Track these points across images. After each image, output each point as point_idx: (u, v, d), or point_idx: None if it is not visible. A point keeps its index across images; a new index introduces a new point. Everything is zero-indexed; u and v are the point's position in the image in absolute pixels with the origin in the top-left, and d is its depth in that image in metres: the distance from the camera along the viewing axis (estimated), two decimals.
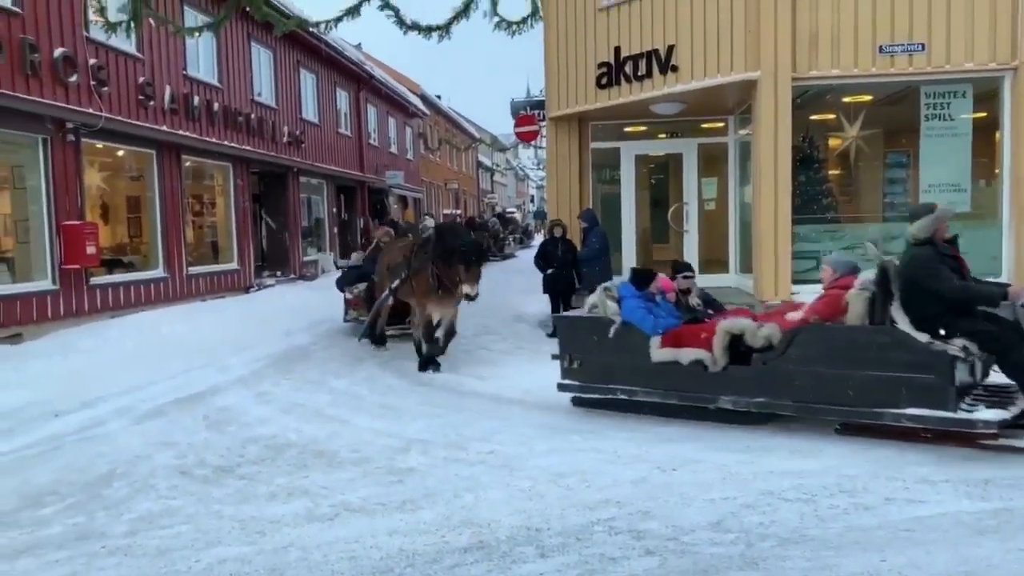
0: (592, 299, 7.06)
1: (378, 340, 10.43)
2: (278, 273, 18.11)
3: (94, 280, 11.52)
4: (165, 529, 4.43)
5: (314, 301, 13.66)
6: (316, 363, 9.51)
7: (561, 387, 7.00)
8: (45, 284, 10.63)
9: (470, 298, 8.38)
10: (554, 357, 7.08)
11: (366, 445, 5.97)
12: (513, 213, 45.15)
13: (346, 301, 11.57)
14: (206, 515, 4.62)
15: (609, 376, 6.68)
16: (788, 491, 4.60)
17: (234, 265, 15.97)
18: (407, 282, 9.21)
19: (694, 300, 7.41)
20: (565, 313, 7.74)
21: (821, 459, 5.23)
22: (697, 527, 4.13)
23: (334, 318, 11.98)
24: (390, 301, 9.96)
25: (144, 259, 13.50)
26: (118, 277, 12.39)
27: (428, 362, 8.93)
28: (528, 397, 7.55)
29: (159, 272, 13.32)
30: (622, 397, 6.63)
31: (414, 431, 6.34)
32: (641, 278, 6.92)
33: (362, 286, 11.37)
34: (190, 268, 14.15)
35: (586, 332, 6.86)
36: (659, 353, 6.35)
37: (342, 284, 11.99)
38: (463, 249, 8.39)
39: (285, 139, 18.38)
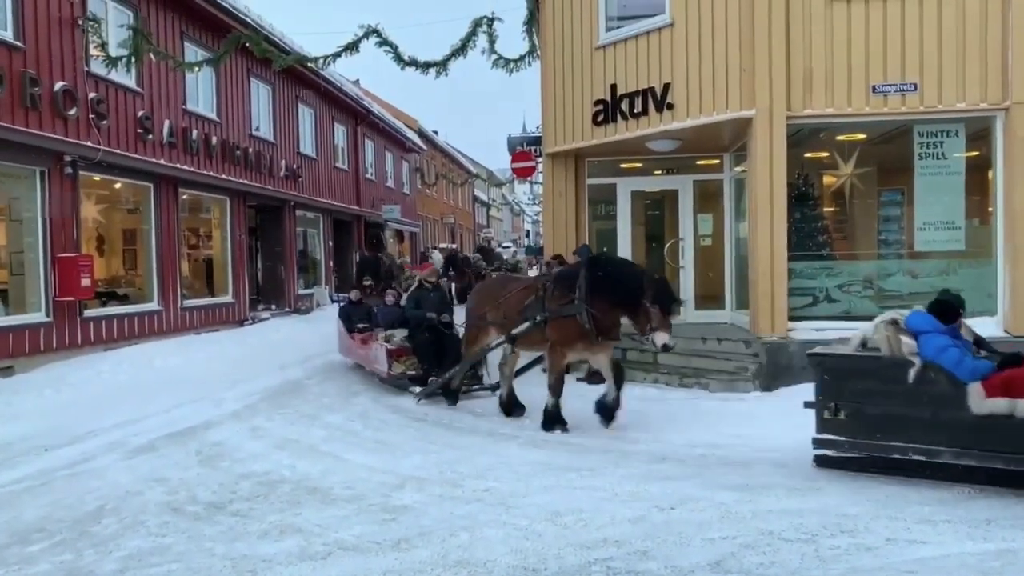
0: (866, 332, 5.82)
1: (452, 395, 8.94)
2: (273, 306, 18.08)
3: (88, 312, 11.48)
4: (155, 567, 4.34)
5: (309, 335, 13.62)
6: (310, 397, 9.44)
7: (819, 443, 5.83)
8: (39, 316, 10.59)
9: (667, 348, 7.10)
10: (808, 405, 5.98)
11: (360, 482, 5.90)
12: (497, 245, 42.25)
13: (388, 352, 9.66)
14: (197, 553, 4.54)
15: (895, 430, 5.49)
16: (788, 531, 4.54)
17: (229, 298, 15.93)
18: (539, 326, 7.67)
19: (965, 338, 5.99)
20: (823, 350, 6.15)
21: (820, 498, 5.18)
22: (697, 568, 4.06)
23: (329, 352, 11.92)
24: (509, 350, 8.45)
25: (139, 292, 13.47)
26: (112, 310, 12.35)
27: (556, 419, 7.55)
28: (523, 433, 7.49)
29: (154, 305, 13.28)
30: (916, 458, 5.46)
31: (409, 467, 6.27)
32: (948, 309, 5.58)
33: (401, 333, 10.01)
34: (185, 301, 14.11)
35: (861, 375, 5.68)
36: (986, 404, 5.14)
37: (349, 323, 11.17)
38: (660, 288, 7.04)
39: (282, 173, 18.47)
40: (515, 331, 7.88)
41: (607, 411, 7.52)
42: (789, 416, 7.78)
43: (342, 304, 12.25)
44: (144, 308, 13.09)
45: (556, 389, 7.55)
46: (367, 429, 7.84)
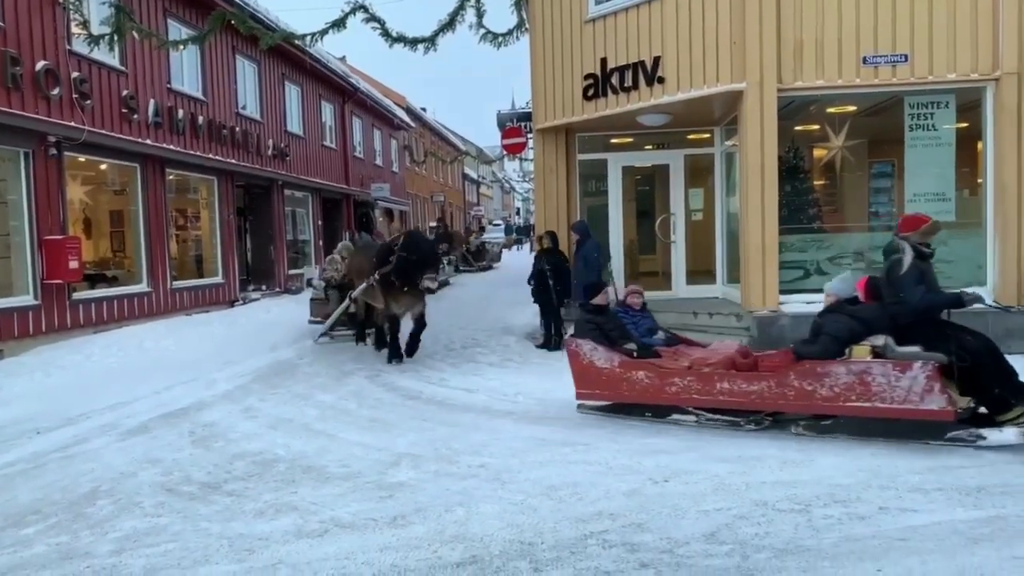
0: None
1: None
2: (263, 287, 18.00)
3: (77, 295, 11.40)
4: (151, 548, 4.34)
5: (300, 315, 13.57)
6: (302, 377, 9.43)
7: None
8: (27, 299, 10.51)
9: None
10: None
11: (355, 460, 5.90)
12: (487, 223, 38.90)
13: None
14: (193, 533, 4.54)
15: None
16: (782, 501, 4.58)
17: (219, 279, 15.85)
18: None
19: None
20: None
21: (813, 469, 5.22)
22: (691, 539, 4.09)
23: (320, 331, 11.89)
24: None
25: (128, 273, 13.38)
26: (101, 292, 12.27)
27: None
28: (517, 409, 7.51)
29: (143, 286, 13.20)
30: None
31: (404, 445, 6.28)
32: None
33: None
34: (174, 282, 14.03)
35: None
36: None
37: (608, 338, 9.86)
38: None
39: (270, 152, 18.31)
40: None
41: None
42: None
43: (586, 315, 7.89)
44: (133, 290, 13.01)
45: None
46: (361, 408, 7.84)
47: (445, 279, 14.43)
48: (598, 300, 7.86)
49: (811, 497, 4.62)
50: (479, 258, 25.80)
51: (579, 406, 7.21)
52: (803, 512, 4.40)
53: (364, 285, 10.52)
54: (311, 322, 12.32)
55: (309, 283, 12.95)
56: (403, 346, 10.06)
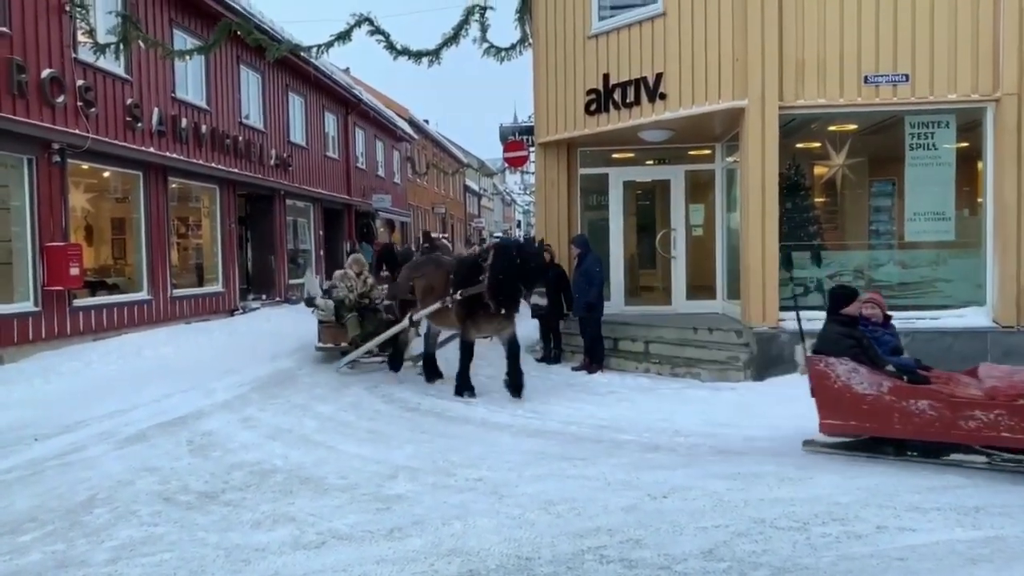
0: None
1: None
2: (263, 296, 18.02)
3: (77, 302, 11.40)
4: (147, 557, 4.33)
5: (299, 325, 13.56)
6: (302, 387, 9.42)
7: None
8: (27, 306, 10.50)
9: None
10: None
11: (353, 471, 5.89)
12: (487, 236, 38.36)
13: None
14: (190, 543, 4.53)
15: None
16: (780, 519, 4.57)
17: (219, 288, 15.86)
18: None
19: None
20: None
21: (811, 487, 5.21)
22: (689, 556, 4.08)
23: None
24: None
25: (128, 281, 13.38)
26: (101, 299, 12.27)
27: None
28: (515, 422, 7.50)
29: (143, 294, 13.20)
30: None
31: (401, 457, 6.27)
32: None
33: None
34: (174, 290, 14.04)
35: None
36: None
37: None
38: None
39: (272, 162, 18.37)
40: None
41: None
42: (780, 405, 7.86)
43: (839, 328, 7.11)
44: (134, 297, 13.01)
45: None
46: (359, 419, 7.83)
47: None
48: (851, 310, 6.39)
49: (809, 515, 4.62)
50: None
51: (806, 442, 6.15)
52: (801, 530, 4.39)
53: (435, 306, 9.08)
54: (319, 349, 11.01)
55: (310, 302, 11.47)
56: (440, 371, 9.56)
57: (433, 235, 28.77)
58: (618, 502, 4.96)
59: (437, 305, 9.01)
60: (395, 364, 10.20)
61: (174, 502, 5.30)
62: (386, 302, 10.60)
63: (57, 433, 7.19)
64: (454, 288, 8.82)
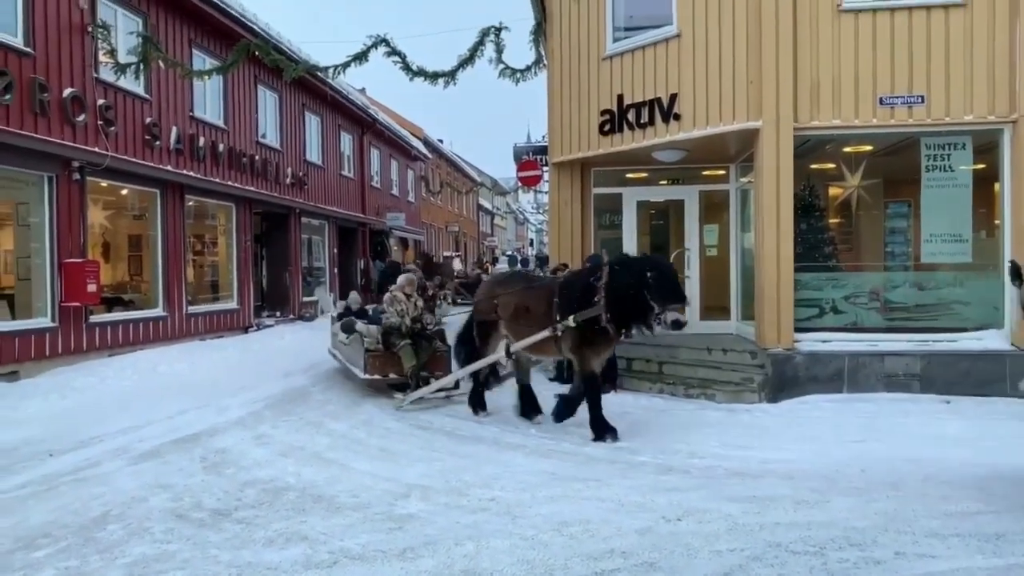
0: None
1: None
2: (277, 313, 18.10)
3: (93, 318, 11.49)
4: (160, 575, 4.33)
5: (313, 342, 13.61)
6: (314, 405, 9.43)
7: None
8: (44, 322, 10.59)
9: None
10: None
11: (365, 490, 5.88)
12: (454, 257, 34.47)
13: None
14: (202, 560, 4.52)
15: None
16: (796, 543, 4.52)
17: (234, 304, 15.94)
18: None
19: None
20: None
21: (828, 511, 5.15)
22: None
23: (333, 359, 11.90)
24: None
25: (144, 297, 13.49)
26: (117, 315, 12.36)
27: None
28: (529, 442, 7.46)
29: (159, 311, 13.29)
30: None
31: (414, 476, 6.25)
32: None
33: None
34: (190, 307, 14.12)
35: None
36: None
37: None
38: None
39: (288, 180, 18.52)
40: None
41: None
42: (795, 427, 7.80)
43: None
44: (149, 314, 13.10)
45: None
46: (372, 437, 7.82)
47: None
48: None
49: (826, 539, 4.56)
50: (472, 291, 22.97)
51: None
52: (818, 555, 4.34)
53: (542, 335, 7.83)
54: (370, 382, 9.84)
55: (349, 328, 10.59)
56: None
57: (447, 254, 28.03)
58: (632, 524, 4.93)
59: (545, 334, 7.80)
60: (479, 401, 8.88)
61: (187, 519, 5.30)
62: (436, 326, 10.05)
63: (72, 449, 7.21)
64: (562, 312, 7.68)
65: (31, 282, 10.76)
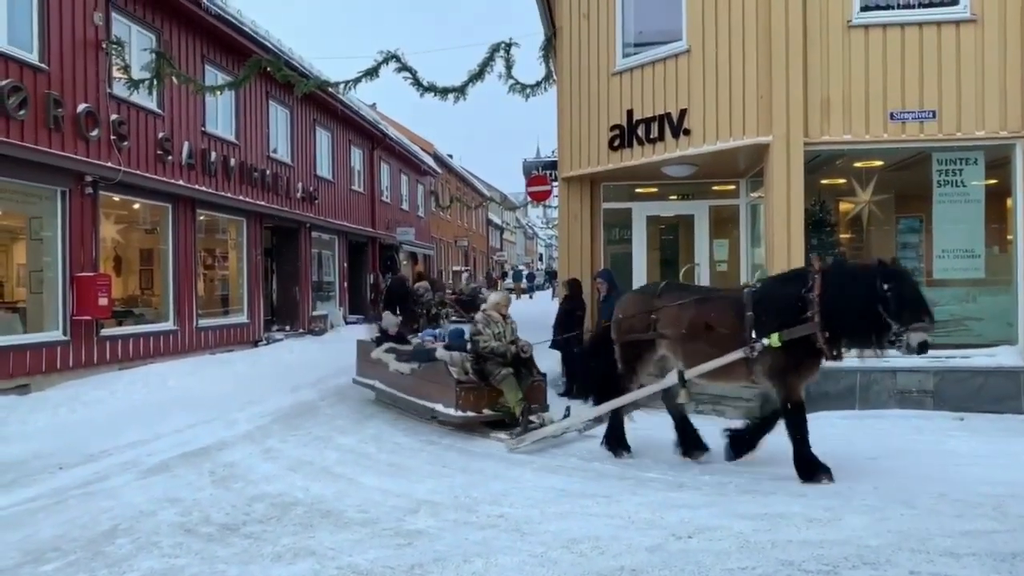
0: None
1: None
2: (287, 327, 18.14)
3: (104, 332, 11.54)
4: None
5: (322, 356, 13.63)
6: (323, 419, 9.42)
7: None
8: (56, 335, 10.65)
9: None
10: None
11: (374, 505, 5.85)
12: (464, 271, 33.88)
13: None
14: (210, 575, 4.50)
15: None
16: (808, 562, 4.46)
17: (244, 319, 15.99)
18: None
19: None
20: None
21: (840, 528, 5.09)
22: None
23: (341, 373, 11.90)
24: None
25: (155, 311, 13.55)
26: (128, 329, 12.42)
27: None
28: (537, 459, 7.42)
29: (169, 324, 13.34)
30: None
31: (423, 492, 6.22)
32: None
33: None
34: (200, 321, 14.18)
35: None
36: None
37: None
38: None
39: (299, 195, 18.61)
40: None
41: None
42: None
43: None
44: (160, 328, 13.16)
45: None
46: (380, 452, 7.80)
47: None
48: None
49: (839, 558, 4.50)
50: (471, 308, 21.53)
51: None
52: (831, 573, 4.28)
53: (734, 355, 6.58)
54: (463, 422, 8.28)
55: (427, 356, 9.14)
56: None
57: (459, 271, 27.53)
58: (642, 541, 4.88)
59: (737, 355, 6.55)
60: (620, 440, 7.49)
61: (195, 533, 5.28)
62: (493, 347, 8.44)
63: (81, 462, 7.23)
64: (758, 329, 6.51)
65: (43, 295, 10.84)
